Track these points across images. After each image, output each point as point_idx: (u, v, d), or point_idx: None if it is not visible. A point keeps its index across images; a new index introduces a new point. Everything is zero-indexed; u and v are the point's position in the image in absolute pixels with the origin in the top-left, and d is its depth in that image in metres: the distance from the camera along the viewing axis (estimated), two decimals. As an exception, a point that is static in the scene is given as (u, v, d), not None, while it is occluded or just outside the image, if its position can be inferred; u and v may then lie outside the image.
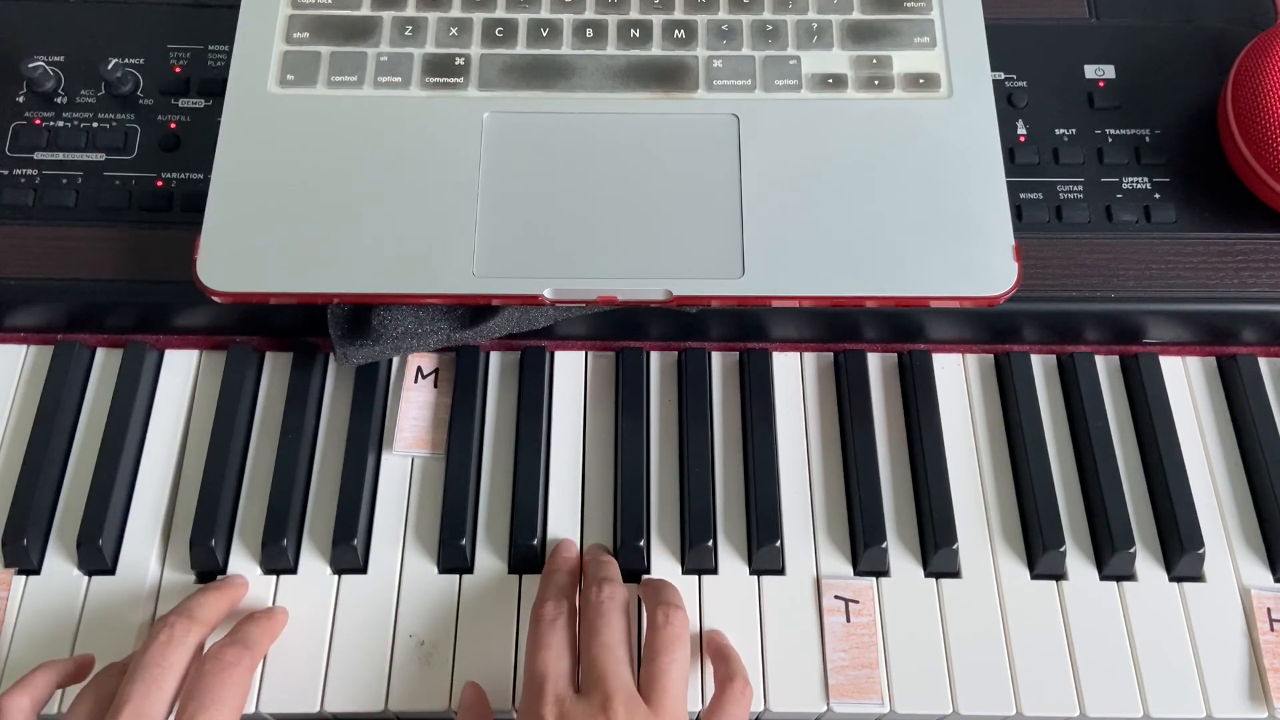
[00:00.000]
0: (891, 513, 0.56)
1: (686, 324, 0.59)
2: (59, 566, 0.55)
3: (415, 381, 0.59)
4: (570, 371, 0.60)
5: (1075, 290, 0.58)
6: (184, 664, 0.48)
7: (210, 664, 0.47)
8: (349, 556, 0.54)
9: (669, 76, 0.58)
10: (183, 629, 0.48)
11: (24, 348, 0.60)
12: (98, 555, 0.54)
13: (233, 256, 0.54)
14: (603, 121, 0.57)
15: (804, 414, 0.59)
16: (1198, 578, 0.55)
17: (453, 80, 0.58)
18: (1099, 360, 0.60)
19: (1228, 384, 0.60)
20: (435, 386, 0.59)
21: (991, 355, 0.61)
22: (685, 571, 0.55)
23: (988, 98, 0.58)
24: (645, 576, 0.54)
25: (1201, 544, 0.55)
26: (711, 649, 0.52)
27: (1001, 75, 0.62)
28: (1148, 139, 0.61)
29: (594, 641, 0.48)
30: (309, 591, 0.54)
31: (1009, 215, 0.55)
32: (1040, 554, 0.55)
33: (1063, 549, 0.55)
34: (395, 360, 0.60)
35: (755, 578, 0.55)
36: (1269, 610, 0.54)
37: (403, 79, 0.58)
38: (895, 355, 0.61)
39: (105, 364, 0.60)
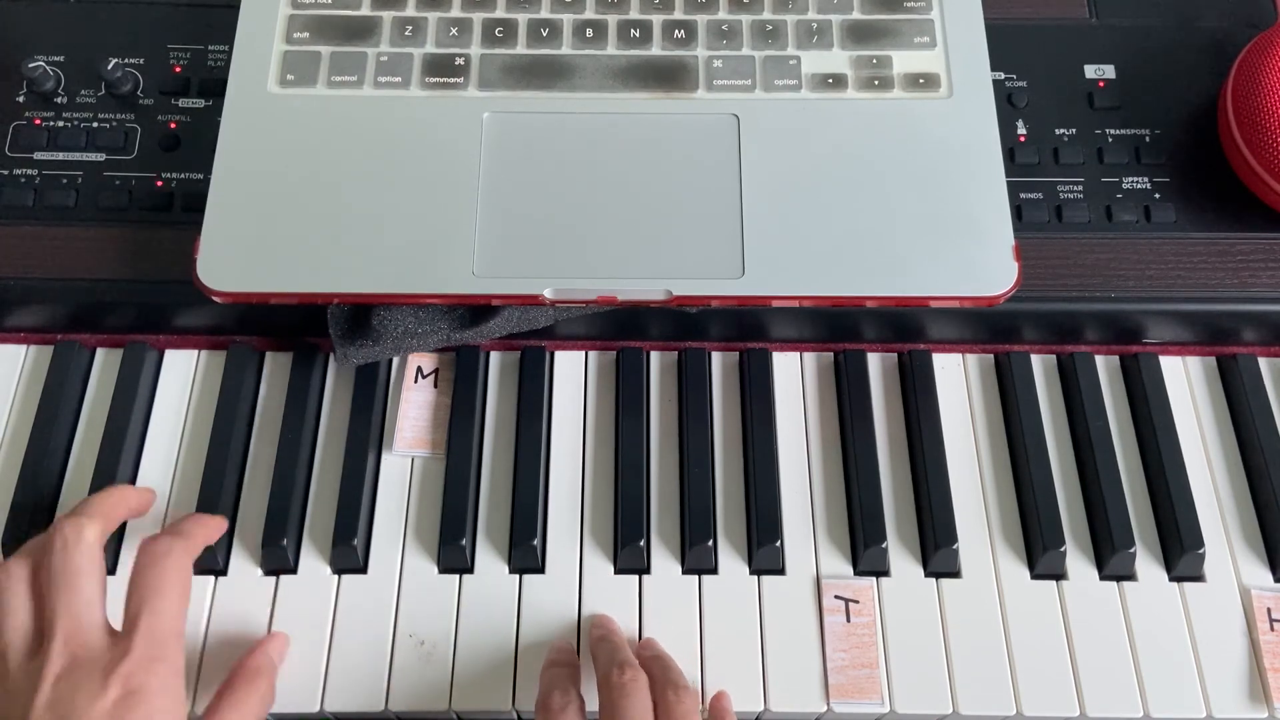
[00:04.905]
0: (891, 513, 0.56)
1: (686, 324, 0.59)
2: (59, 566, 0.55)
3: (415, 381, 0.59)
4: (570, 371, 0.60)
5: (1075, 290, 0.58)
6: (91, 559, 0.47)
7: (143, 557, 0.47)
8: (349, 556, 0.54)
9: (669, 76, 0.58)
10: (73, 528, 0.47)
11: (24, 348, 0.60)
12: (98, 555, 0.54)
13: (233, 256, 0.54)
14: (603, 121, 0.57)
15: (804, 414, 0.59)
16: (1198, 578, 0.55)
17: (453, 80, 0.58)
18: (1099, 360, 0.60)
19: (1228, 384, 0.60)
20: (435, 386, 0.59)
21: (991, 355, 0.61)
22: (685, 571, 0.55)
23: (988, 98, 0.58)
24: (645, 645, 0.53)
25: (1201, 544, 0.55)
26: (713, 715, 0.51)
27: (1001, 75, 0.62)
28: (1148, 139, 0.61)
29: (630, 711, 0.47)
30: (309, 591, 0.54)
31: (1009, 215, 0.55)
32: (1040, 554, 0.55)
33: (1063, 549, 0.55)
34: (395, 360, 0.60)
35: (755, 578, 0.55)
36: (1269, 610, 0.54)
37: (403, 79, 0.58)
38: (895, 355, 0.61)
39: (105, 364, 0.60)
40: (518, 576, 0.55)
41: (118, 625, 0.47)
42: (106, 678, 0.44)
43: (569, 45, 0.59)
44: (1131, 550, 0.54)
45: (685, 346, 0.60)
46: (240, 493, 0.57)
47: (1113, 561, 0.55)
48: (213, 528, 0.53)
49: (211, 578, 0.54)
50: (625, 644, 0.52)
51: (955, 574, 0.55)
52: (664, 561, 0.55)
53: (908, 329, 0.60)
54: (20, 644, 0.45)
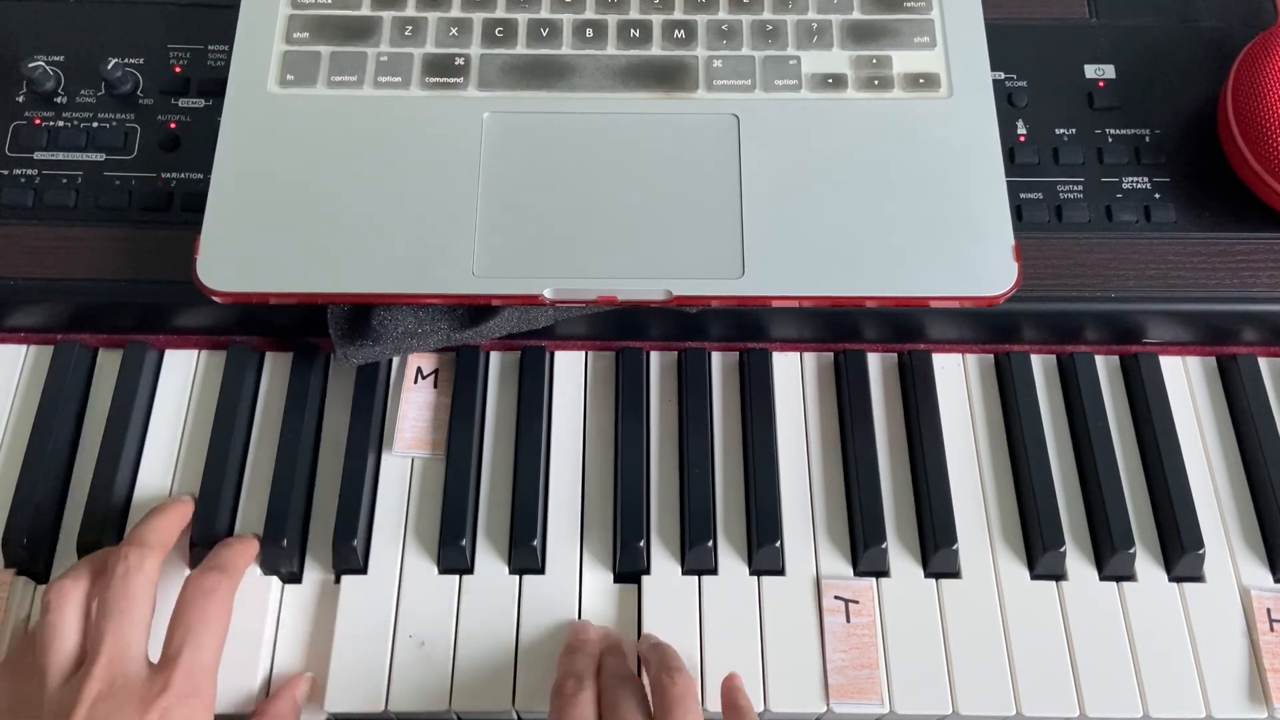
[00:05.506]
0: (891, 513, 0.56)
1: (686, 324, 0.59)
2: (60, 567, 0.55)
3: (415, 381, 0.59)
4: (570, 371, 0.60)
5: (1075, 290, 0.58)
6: (148, 590, 0.48)
7: (190, 591, 0.49)
8: (349, 556, 0.54)
9: (669, 76, 0.58)
10: (136, 557, 0.49)
11: (24, 348, 0.60)
12: (98, 555, 0.54)
13: (232, 256, 0.54)
14: (603, 121, 0.57)
15: (804, 414, 0.59)
16: (1198, 578, 0.55)
17: (453, 80, 0.58)
18: (1099, 360, 0.60)
19: (1228, 384, 0.60)
20: (435, 386, 0.59)
21: (991, 355, 0.61)
22: (685, 572, 0.55)
23: (988, 98, 0.58)
24: (643, 639, 0.53)
25: (1201, 544, 0.55)
26: (725, 701, 0.51)
27: (1001, 75, 0.62)
28: (1148, 139, 0.61)
29: (621, 706, 0.47)
30: (309, 592, 0.54)
31: (1009, 215, 0.55)
32: (1040, 554, 0.55)
33: (1063, 549, 0.55)
34: (395, 360, 0.60)
35: (755, 578, 0.55)
36: (1269, 610, 0.54)
37: (403, 79, 0.58)
38: (895, 355, 0.61)
39: (105, 364, 0.60)
40: (518, 577, 0.55)
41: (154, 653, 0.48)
42: (145, 708, 0.45)
43: (569, 45, 0.59)
44: (1131, 550, 0.54)
45: (685, 346, 0.60)
46: (240, 492, 0.57)
47: (1112, 562, 0.55)
48: (252, 551, 0.54)
49: (211, 578, 0.54)
50: (620, 641, 0.52)
51: (955, 574, 0.55)
52: (664, 562, 0.55)
53: (908, 329, 0.60)
54: (64, 663, 0.47)
